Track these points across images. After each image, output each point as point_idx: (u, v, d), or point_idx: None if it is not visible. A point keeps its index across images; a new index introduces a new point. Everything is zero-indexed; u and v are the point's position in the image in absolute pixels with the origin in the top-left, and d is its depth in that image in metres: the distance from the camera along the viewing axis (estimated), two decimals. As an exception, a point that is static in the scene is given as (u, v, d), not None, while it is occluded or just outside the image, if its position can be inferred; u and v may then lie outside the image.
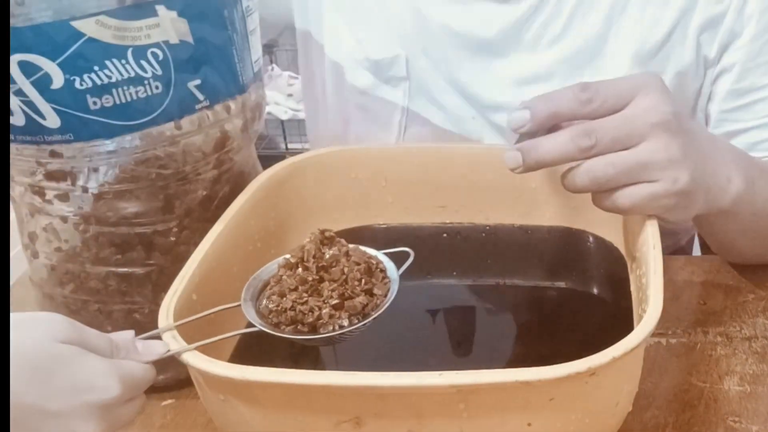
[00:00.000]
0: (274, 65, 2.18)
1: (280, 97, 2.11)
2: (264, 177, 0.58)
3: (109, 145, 0.50)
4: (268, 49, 2.17)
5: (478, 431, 0.41)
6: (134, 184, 0.52)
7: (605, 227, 0.61)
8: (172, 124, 0.51)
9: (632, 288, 0.55)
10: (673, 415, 0.55)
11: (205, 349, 0.42)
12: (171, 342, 0.43)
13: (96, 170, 0.51)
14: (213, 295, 0.49)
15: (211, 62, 0.52)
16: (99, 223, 0.53)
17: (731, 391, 0.57)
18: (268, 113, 2.09)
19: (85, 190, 0.51)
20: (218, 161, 0.55)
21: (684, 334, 0.63)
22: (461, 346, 0.56)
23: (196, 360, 0.41)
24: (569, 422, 0.42)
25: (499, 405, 0.40)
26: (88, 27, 0.46)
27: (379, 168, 0.63)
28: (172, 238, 0.54)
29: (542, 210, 0.63)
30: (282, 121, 2.14)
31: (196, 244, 0.51)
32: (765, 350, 0.59)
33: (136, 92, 0.49)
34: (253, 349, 0.52)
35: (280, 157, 0.62)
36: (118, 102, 0.49)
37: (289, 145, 2.20)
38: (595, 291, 0.59)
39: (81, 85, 0.47)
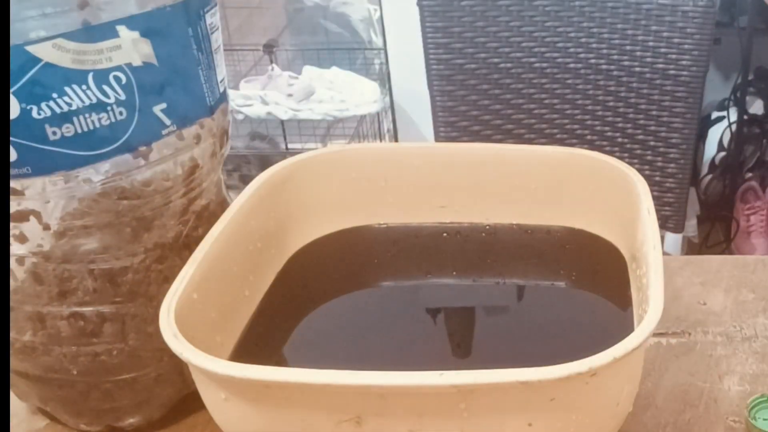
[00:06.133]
0: (274, 65, 2.18)
1: (280, 97, 2.11)
2: (264, 177, 0.58)
3: (71, 177, 0.46)
4: (268, 49, 2.17)
5: (479, 431, 0.41)
6: (98, 217, 0.49)
7: (605, 227, 0.62)
8: (138, 152, 0.48)
9: (632, 288, 0.55)
10: (673, 415, 0.55)
11: (206, 348, 0.42)
12: (172, 341, 0.43)
13: (57, 205, 0.48)
14: (213, 294, 0.49)
15: (177, 84, 0.49)
16: (60, 261, 0.50)
17: (731, 391, 0.57)
18: (268, 113, 2.09)
19: (46, 227, 0.48)
20: (187, 189, 0.53)
21: (684, 334, 0.63)
22: (461, 346, 0.56)
23: (197, 359, 0.41)
24: (570, 422, 0.42)
25: (499, 405, 0.41)
26: (44, 51, 0.43)
27: (379, 168, 0.63)
28: (141, 273, 0.52)
29: (542, 210, 0.63)
30: (282, 121, 2.13)
31: (167, 278, 0.49)
32: (765, 350, 0.59)
33: (99, 119, 0.46)
34: (255, 347, 0.52)
35: (280, 157, 0.62)
36: (79, 131, 0.45)
37: (289, 145, 2.20)
38: (595, 291, 0.59)
39: (39, 114, 0.44)
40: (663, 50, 1.26)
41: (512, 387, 0.39)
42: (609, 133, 1.35)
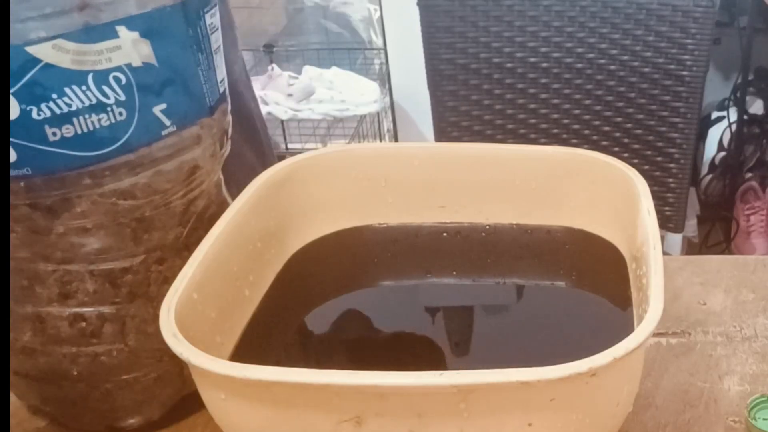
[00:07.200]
0: (274, 65, 2.18)
1: (280, 97, 2.11)
2: (264, 177, 0.58)
3: (70, 178, 0.46)
4: (268, 48, 2.18)
5: (479, 431, 0.41)
6: (97, 218, 0.49)
7: (605, 227, 0.62)
8: (137, 152, 0.48)
9: (632, 288, 0.55)
10: (673, 415, 0.55)
11: (206, 348, 0.42)
12: (172, 341, 0.43)
13: (57, 206, 0.47)
14: (213, 294, 0.49)
15: (177, 85, 0.49)
16: (60, 262, 0.50)
17: (731, 391, 0.57)
18: (268, 113, 2.09)
19: (47, 228, 0.48)
20: (187, 190, 0.53)
21: (684, 334, 0.63)
22: (461, 346, 0.56)
23: (197, 359, 0.41)
24: (570, 422, 0.42)
25: (499, 405, 0.41)
26: (44, 52, 0.43)
27: (379, 168, 0.63)
28: (141, 274, 0.52)
29: (542, 210, 0.63)
30: (282, 121, 2.13)
31: (167, 279, 0.49)
32: (765, 350, 0.59)
33: (99, 120, 0.46)
34: (254, 347, 0.52)
35: (280, 157, 0.62)
36: (79, 131, 0.45)
37: (289, 145, 2.20)
38: (595, 291, 0.59)
39: (38, 115, 0.44)
40: (664, 49, 1.26)
41: (512, 387, 0.39)
42: (610, 132, 1.35)
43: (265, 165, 0.60)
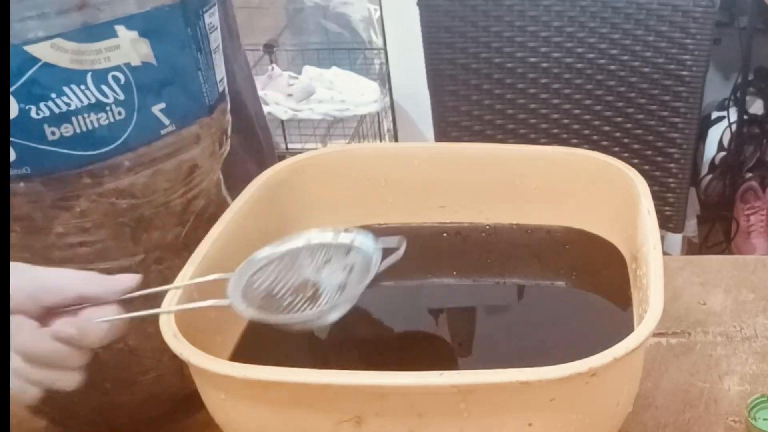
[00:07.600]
0: (274, 65, 2.18)
1: (280, 97, 2.11)
2: (264, 177, 0.58)
3: (70, 177, 0.46)
4: (268, 49, 2.17)
5: (479, 431, 0.41)
6: (96, 217, 0.49)
7: (605, 227, 0.62)
8: (136, 151, 0.48)
9: (632, 288, 0.55)
10: (673, 415, 0.55)
11: (206, 348, 0.42)
12: (172, 341, 0.42)
13: (56, 205, 0.47)
14: (213, 293, 0.49)
15: (176, 84, 0.49)
16: (59, 261, 0.49)
17: (731, 391, 0.57)
18: (268, 113, 2.09)
19: (46, 228, 0.48)
20: (186, 189, 0.53)
21: (684, 334, 0.63)
22: (461, 346, 0.56)
23: (197, 359, 0.41)
24: (570, 422, 0.42)
25: (499, 405, 0.41)
26: (43, 52, 0.43)
27: (379, 168, 0.63)
28: (141, 273, 0.50)
29: (542, 210, 0.63)
30: (282, 121, 2.13)
31: (166, 279, 0.49)
32: (765, 350, 0.59)
33: (98, 119, 0.46)
34: (255, 348, 0.52)
35: (280, 157, 0.62)
36: (78, 131, 0.45)
37: (289, 145, 2.19)
38: (595, 291, 0.59)
39: (38, 114, 0.44)
40: (664, 49, 1.26)
41: (512, 387, 0.39)
42: (610, 132, 1.35)
43: (265, 165, 0.60)
